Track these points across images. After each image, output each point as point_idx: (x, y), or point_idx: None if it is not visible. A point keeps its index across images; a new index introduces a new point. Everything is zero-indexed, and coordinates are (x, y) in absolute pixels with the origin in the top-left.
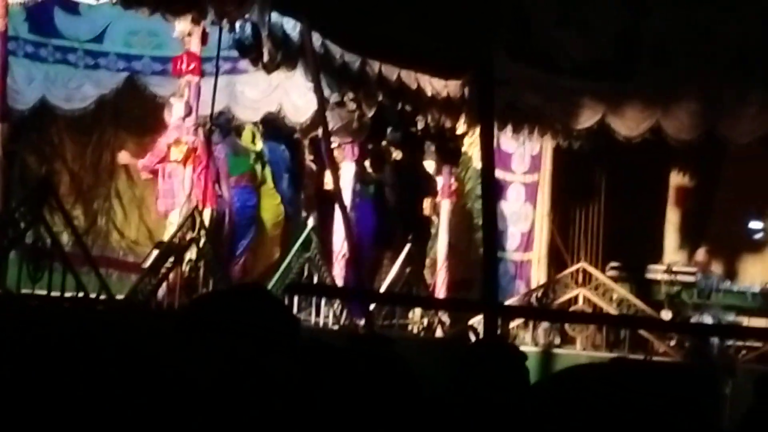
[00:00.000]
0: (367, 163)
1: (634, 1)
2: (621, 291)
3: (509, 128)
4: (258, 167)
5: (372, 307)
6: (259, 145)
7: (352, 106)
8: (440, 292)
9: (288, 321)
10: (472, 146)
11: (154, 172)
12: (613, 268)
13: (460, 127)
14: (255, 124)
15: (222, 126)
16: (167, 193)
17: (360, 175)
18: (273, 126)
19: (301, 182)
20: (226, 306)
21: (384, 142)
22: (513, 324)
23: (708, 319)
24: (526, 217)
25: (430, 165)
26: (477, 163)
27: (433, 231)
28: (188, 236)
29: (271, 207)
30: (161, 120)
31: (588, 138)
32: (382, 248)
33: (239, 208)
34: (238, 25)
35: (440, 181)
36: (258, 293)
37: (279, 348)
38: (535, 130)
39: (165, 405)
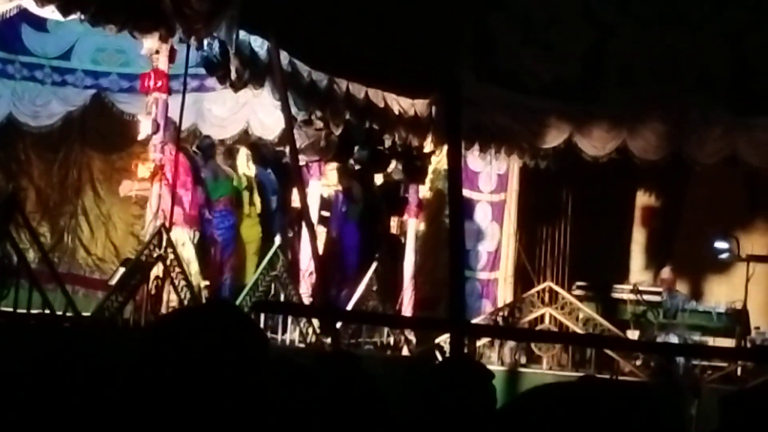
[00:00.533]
0: (334, 177)
1: (600, 23)
2: (587, 310)
3: (476, 147)
4: (246, 192)
5: (339, 325)
6: (253, 169)
7: (320, 124)
8: (407, 311)
9: (255, 338)
10: (439, 164)
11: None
12: (579, 287)
13: (427, 146)
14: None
15: (205, 149)
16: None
17: (347, 196)
18: (260, 150)
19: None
20: (193, 323)
21: (351, 161)
22: (479, 343)
23: (674, 339)
24: (492, 236)
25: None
26: (444, 182)
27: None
28: (155, 253)
29: (250, 228)
30: (128, 137)
31: (555, 157)
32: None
33: (218, 230)
34: (205, 42)
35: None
36: (226, 310)
37: (246, 365)
38: (502, 150)
39: (131, 423)
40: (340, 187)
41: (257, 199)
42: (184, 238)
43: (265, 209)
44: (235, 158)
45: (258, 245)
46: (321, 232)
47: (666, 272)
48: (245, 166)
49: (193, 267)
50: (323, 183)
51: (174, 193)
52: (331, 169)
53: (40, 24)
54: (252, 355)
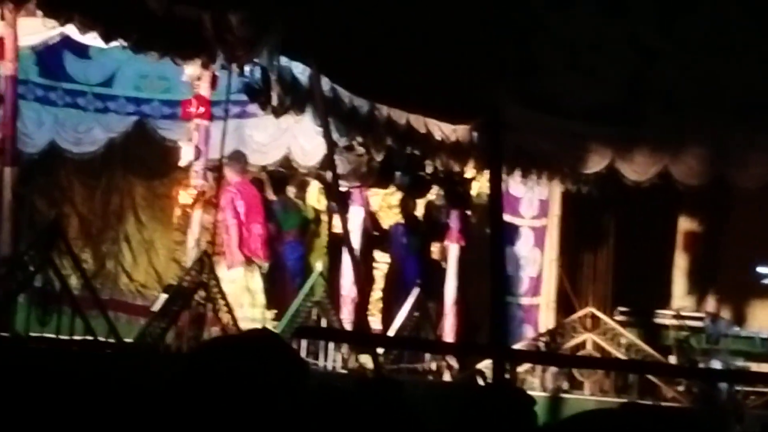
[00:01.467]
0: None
1: (643, 48)
2: (629, 336)
3: (518, 173)
4: (314, 224)
5: (380, 351)
6: (323, 202)
7: (361, 150)
8: (449, 336)
9: (297, 365)
10: (481, 190)
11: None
12: (621, 312)
13: (469, 172)
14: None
15: (278, 181)
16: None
17: (408, 228)
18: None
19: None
20: (234, 351)
21: (392, 187)
22: (521, 368)
23: (716, 365)
24: (534, 262)
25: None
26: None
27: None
28: (197, 280)
29: (317, 260)
30: (170, 163)
31: (596, 183)
32: (427, 299)
33: (288, 261)
34: (247, 69)
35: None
36: (266, 338)
37: (288, 393)
38: (544, 175)
39: None
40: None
41: (324, 231)
42: (253, 271)
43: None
44: (305, 190)
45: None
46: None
47: (709, 299)
48: (315, 199)
49: (259, 299)
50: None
51: (239, 224)
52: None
53: (82, 51)
54: (291, 382)
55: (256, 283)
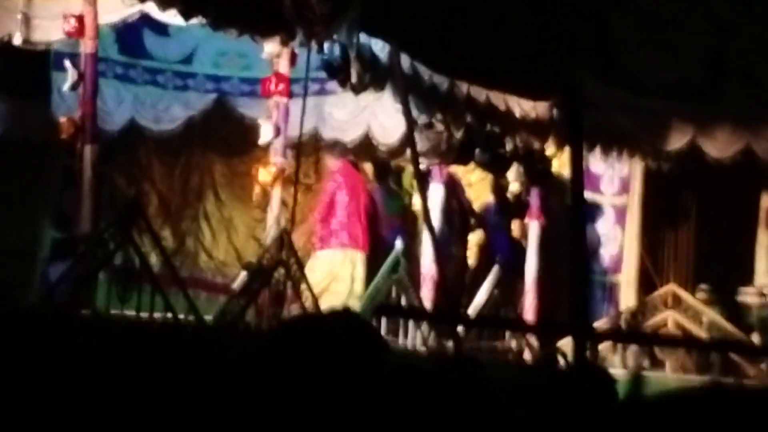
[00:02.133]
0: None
1: (721, 22)
2: (711, 314)
3: (598, 150)
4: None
5: (460, 329)
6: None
7: (441, 127)
8: (529, 315)
9: (378, 345)
10: (562, 168)
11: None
12: (702, 290)
13: (549, 149)
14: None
15: (381, 168)
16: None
17: (500, 207)
18: None
19: (453, 219)
20: (315, 330)
21: (472, 164)
22: (602, 347)
23: None
24: (615, 240)
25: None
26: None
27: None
28: (277, 258)
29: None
30: (249, 141)
31: (677, 160)
32: (518, 276)
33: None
34: (326, 46)
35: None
36: (347, 317)
37: (368, 372)
38: (624, 152)
39: (254, 429)
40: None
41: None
42: (354, 260)
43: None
44: (401, 177)
45: None
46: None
47: None
48: (410, 184)
49: (357, 287)
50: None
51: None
52: (482, 179)
53: (161, 29)
54: (371, 361)
55: (358, 272)
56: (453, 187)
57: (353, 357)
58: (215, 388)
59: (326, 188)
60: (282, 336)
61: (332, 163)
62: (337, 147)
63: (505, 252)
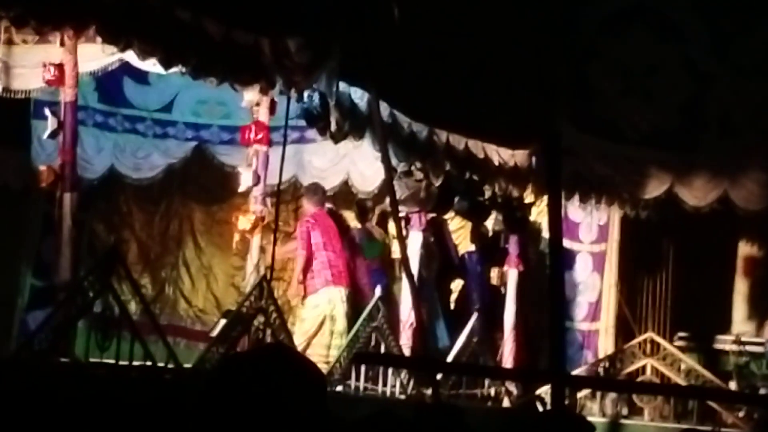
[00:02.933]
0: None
1: (699, 73)
2: (689, 361)
3: (576, 197)
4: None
5: (438, 377)
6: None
7: (420, 175)
8: (508, 362)
9: (309, 382)
10: (540, 215)
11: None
12: (681, 338)
13: (528, 197)
14: None
15: (362, 211)
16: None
17: (479, 255)
18: None
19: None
20: (243, 367)
21: (451, 212)
22: (581, 394)
23: None
24: (593, 287)
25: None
26: (546, 233)
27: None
28: (256, 305)
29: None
30: (229, 189)
31: (655, 207)
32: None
33: (373, 289)
34: (306, 94)
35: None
36: (280, 354)
37: (295, 407)
38: (603, 200)
39: None
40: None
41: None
42: (335, 297)
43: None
44: (387, 221)
45: None
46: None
47: None
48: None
49: (339, 325)
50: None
51: (309, 255)
52: (462, 226)
53: (141, 77)
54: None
55: (338, 310)
56: (439, 233)
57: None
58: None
59: (300, 233)
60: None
61: (308, 208)
62: (315, 194)
63: (485, 300)
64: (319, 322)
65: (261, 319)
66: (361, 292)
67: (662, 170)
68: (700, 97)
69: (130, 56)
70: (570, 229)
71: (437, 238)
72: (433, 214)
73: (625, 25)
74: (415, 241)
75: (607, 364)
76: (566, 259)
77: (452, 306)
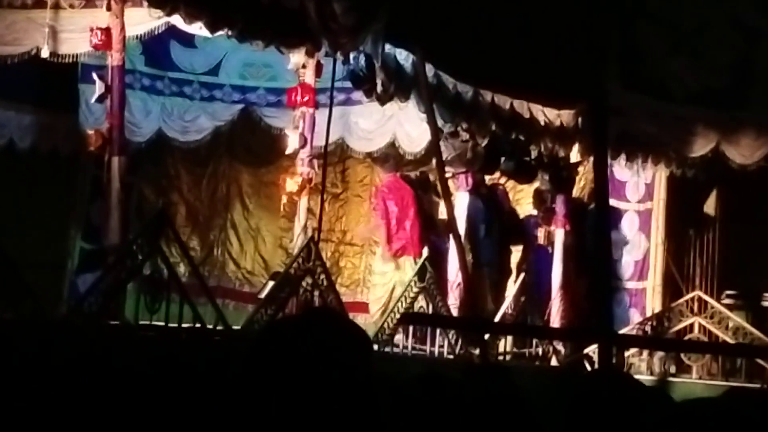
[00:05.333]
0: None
1: (748, 30)
2: (737, 319)
3: (622, 157)
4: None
5: (487, 336)
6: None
7: (466, 136)
8: (555, 321)
9: (355, 344)
10: (586, 174)
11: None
12: (728, 296)
13: (574, 156)
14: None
15: (423, 181)
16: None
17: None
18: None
19: (497, 229)
20: (290, 331)
21: (498, 172)
22: (628, 353)
23: None
24: (640, 246)
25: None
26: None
27: None
28: (304, 266)
29: None
30: (276, 151)
31: (702, 166)
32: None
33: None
34: (351, 56)
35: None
36: (326, 317)
37: (344, 371)
38: (649, 159)
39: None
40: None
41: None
42: (404, 266)
43: (474, 235)
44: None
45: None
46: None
47: None
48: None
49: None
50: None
51: (388, 223)
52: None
53: (188, 40)
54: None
55: (408, 277)
56: (496, 196)
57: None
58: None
59: (377, 204)
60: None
61: (382, 174)
62: (387, 161)
63: (545, 264)
64: (390, 288)
65: (309, 280)
66: (436, 257)
67: (709, 128)
68: (748, 55)
69: (177, 20)
70: (617, 188)
71: (493, 201)
72: (492, 179)
73: None
74: (462, 201)
75: (654, 323)
76: (613, 218)
77: (513, 269)
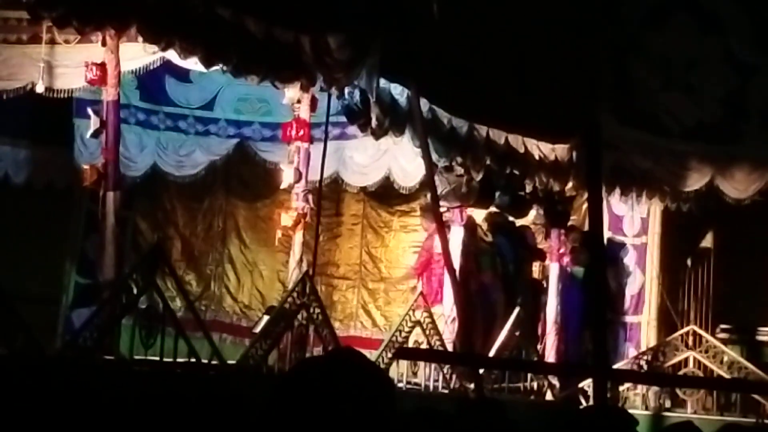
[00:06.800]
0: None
1: (740, 65)
2: (731, 354)
3: (617, 191)
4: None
5: (481, 371)
6: (489, 237)
7: (460, 170)
8: (550, 355)
9: (379, 385)
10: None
11: (420, 275)
12: (723, 330)
13: (569, 191)
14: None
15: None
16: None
17: (571, 261)
18: (495, 219)
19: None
20: (316, 372)
21: (492, 207)
22: (623, 387)
23: None
24: (636, 280)
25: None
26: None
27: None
28: (299, 301)
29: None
30: (271, 185)
31: (696, 200)
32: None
33: (486, 303)
34: (346, 91)
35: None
36: (351, 358)
37: (367, 412)
38: (643, 193)
39: None
40: None
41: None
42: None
43: (504, 275)
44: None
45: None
46: None
47: None
48: (483, 233)
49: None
50: None
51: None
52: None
53: (183, 75)
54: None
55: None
56: (525, 238)
57: (353, 396)
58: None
59: (424, 246)
60: (286, 380)
61: (426, 224)
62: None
63: (575, 305)
64: None
65: (304, 314)
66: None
67: (703, 163)
68: (742, 90)
69: (172, 55)
70: (614, 222)
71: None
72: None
73: (666, 18)
74: (456, 236)
75: (649, 357)
76: (609, 252)
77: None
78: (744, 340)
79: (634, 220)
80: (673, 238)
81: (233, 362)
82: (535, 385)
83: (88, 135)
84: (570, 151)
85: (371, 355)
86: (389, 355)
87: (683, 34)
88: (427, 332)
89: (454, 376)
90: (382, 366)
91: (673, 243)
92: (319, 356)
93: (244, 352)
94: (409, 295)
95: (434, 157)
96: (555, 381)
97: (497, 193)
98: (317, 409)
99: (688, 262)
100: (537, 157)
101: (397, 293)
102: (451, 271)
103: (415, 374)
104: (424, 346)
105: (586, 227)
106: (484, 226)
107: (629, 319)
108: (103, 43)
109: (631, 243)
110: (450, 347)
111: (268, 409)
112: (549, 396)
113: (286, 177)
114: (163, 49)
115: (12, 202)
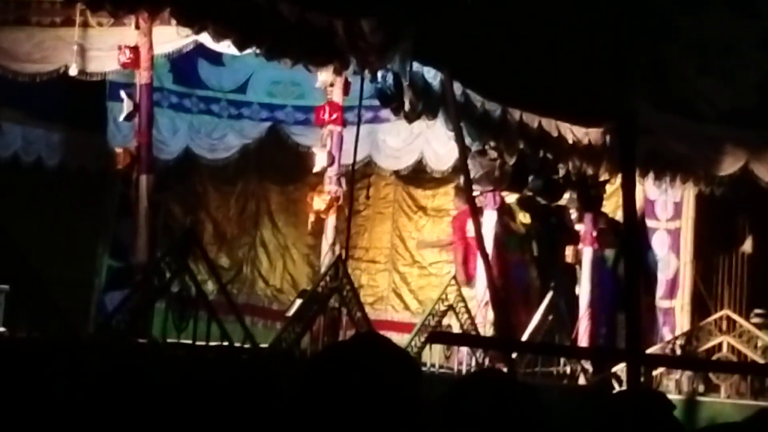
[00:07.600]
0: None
1: None
2: (765, 338)
3: (651, 175)
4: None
5: (514, 355)
6: (527, 219)
7: (494, 154)
8: (583, 340)
9: (406, 369)
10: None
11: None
12: (757, 314)
13: (602, 175)
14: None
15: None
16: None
17: (601, 246)
18: (530, 202)
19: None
20: (342, 356)
21: (525, 191)
22: (656, 371)
23: None
24: (669, 265)
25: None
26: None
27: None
28: (331, 285)
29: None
30: (304, 169)
31: (730, 184)
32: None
33: (515, 283)
34: (379, 74)
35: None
36: (378, 343)
37: (394, 396)
38: (677, 177)
39: None
40: None
41: (534, 247)
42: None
43: (539, 258)
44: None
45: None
46: None
47: None
48: (521, 216)
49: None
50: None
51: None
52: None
53: (216, 58)
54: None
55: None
56: (563, 218)
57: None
58: (272, 416)
59: (455, 223)
60: (314, 364)
61: (458, 204)
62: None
63: (608, 290)
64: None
65: (337, 298)
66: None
67: (738, 147)
68: None
69: (205, 38)
70: (647, 206)
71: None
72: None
73: (701, 3)
74: (489, 220)
75: (683, 342)
76: (645, 237)
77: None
78: None
79: (668, 205)
80: (707, 222)
81: (265, 346)
82: (568, 369)
83: (121, 118)
84: (603, 136)
85: (403, 339)
86: (422, 339)
87: (718, 19)
88: (460, 316)
89: (487, 360)
90: (415, 350)
91: (707, 227)
92: (341, 341)
93: (277, 336)
94: (442, 279)
95: (467, 140)
96: (588, 365)
97: (530, 177)
98: (340, 394)
99: (721, 246)
100: (570, 141)
101: (429, 277)
102: (484, 255)
103: (447, 358)
104: (456, 330)
105: (619, 212)
106: (518, 211)
107: (664, 303)
108: (137, 27)
109: (664, 227)
110: (484, 332)
111: (296, 393)
112: (582, 380)
113: (319, 160)
114: (197, 33)
115: (45, 186)
